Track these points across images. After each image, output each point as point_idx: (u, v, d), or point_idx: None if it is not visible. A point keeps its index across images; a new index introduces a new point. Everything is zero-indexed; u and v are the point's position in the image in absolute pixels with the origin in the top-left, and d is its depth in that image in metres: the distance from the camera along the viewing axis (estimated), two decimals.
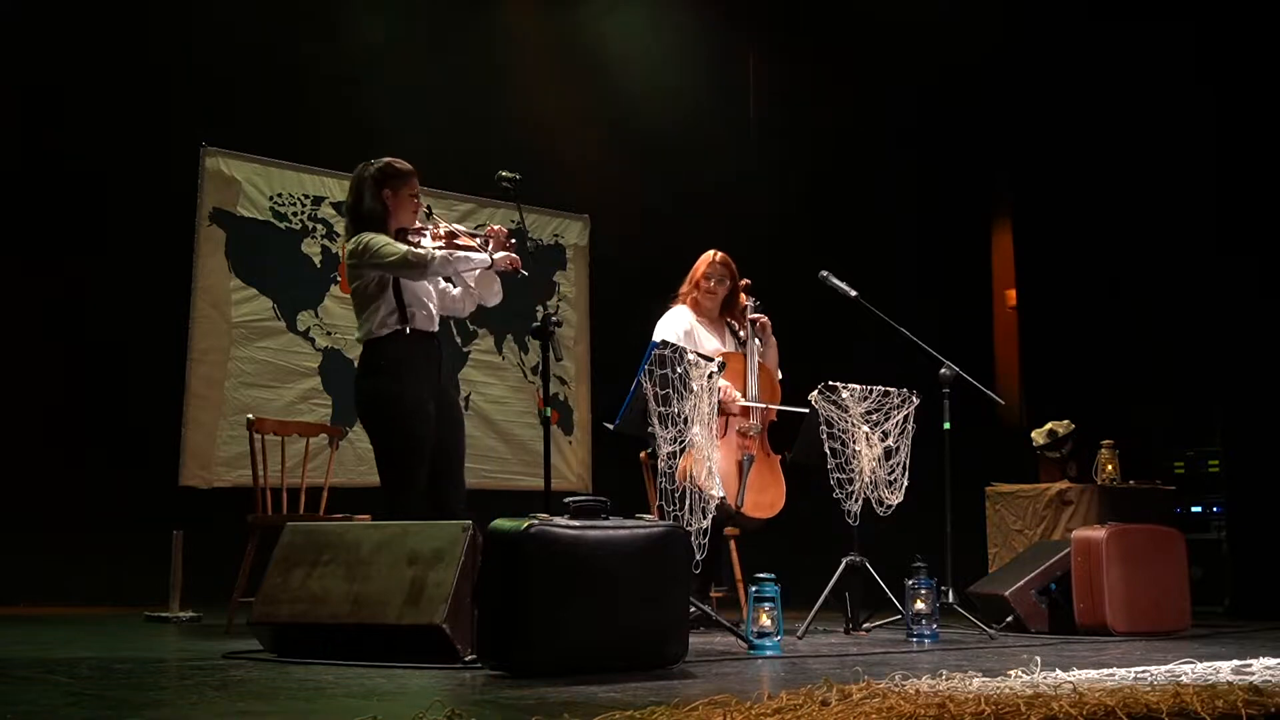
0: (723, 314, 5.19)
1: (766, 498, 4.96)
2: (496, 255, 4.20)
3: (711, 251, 5.18)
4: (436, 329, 4.28)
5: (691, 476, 4.05)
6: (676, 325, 5.04)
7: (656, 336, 4.94)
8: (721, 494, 4.65)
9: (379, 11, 7.38)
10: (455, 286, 4.35)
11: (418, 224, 4.27)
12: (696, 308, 5.14)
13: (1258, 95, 6.73)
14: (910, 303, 5.93)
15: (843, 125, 8.11)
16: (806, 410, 4.77)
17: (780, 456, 5.08)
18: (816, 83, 8.19)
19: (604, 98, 8.05)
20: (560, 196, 7.70)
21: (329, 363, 6.71)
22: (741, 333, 5.16)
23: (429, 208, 4.27)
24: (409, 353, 4.13)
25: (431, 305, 4.24)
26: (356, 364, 4.30)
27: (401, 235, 4.21)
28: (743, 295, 5.18)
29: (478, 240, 4.28)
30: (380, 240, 4.08)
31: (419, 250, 4.06)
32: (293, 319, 6.63)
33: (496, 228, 4.38)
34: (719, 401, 4.80)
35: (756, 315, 5.16)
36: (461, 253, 4.14)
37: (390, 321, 4.13)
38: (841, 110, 8.13)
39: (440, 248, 4.14)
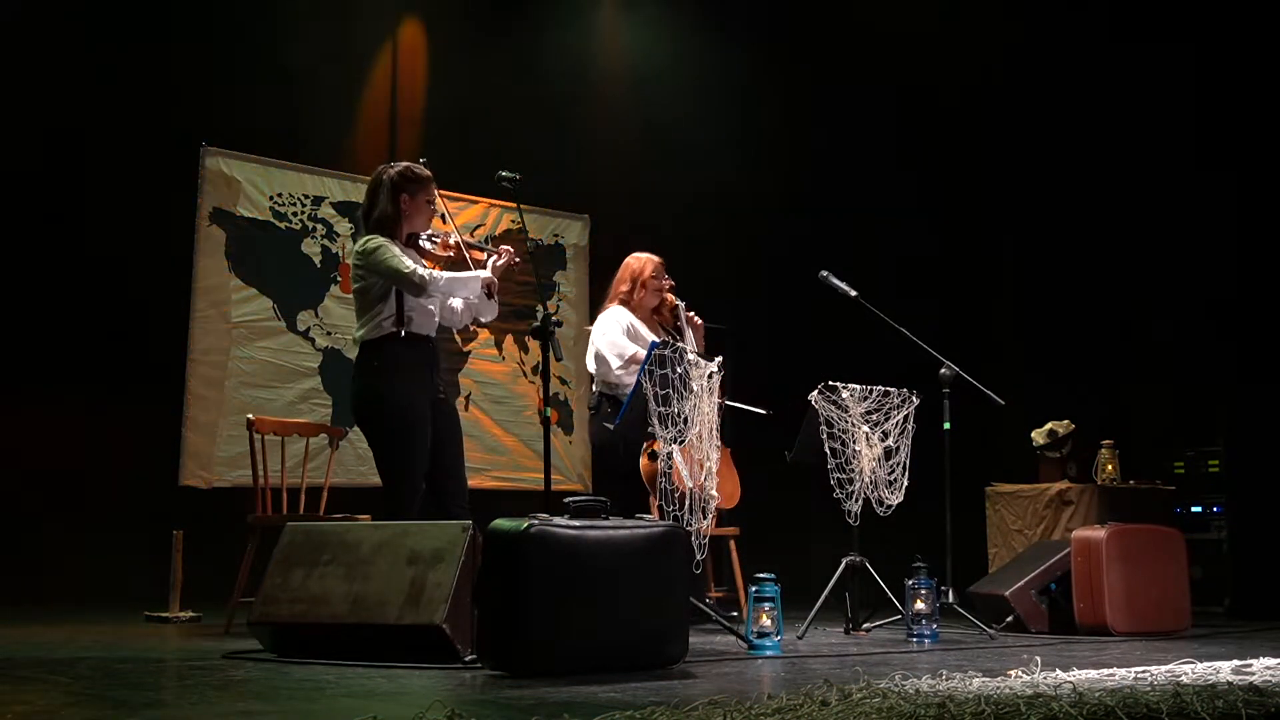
0: (654, 312, 5.31)
1: (725, 488, 5.04)
2: (484, 274, 4.26)
3: (646, 255, 5.30)
4: (433, 334, 4.33)
5: (666, 473, 4.06)
6: (620, 322, 5.14)
7: (599, 335, 5.03)
8: (690, 484, 4.69)
9: (380, 12, 7.38)
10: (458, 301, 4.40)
11: (430, 231, 4.33)
12: (631, 306, 5.20)
13: (1260, 92, 6.75)
14: (910, 303, 5.93)
15: (843, 125, 8.11)
16: (751, 408, 4.85)
17: (731, 450, 5.15)
18: (816, 82, 8.20)
19: (604, 98, 8.05)
20: (560, 196, 7.69)
21: (329, 363, 6.70)
22: (671, 329, 5.25)
23: (444, 215, 4.32)
24: (403, 355, 4.20)
25: (433, 310, 4.31)
26: (353, 365, 4.33)
27: (413, 240, 4.31)
28: (669, 295, 5.26)
29: (486, 255, 4.33)
30: (387, 252, 4.16)
31: (421, 272, 4.13)
32: (293, 319, 6.62)
33: (507, 249, 4.45)
34: None
35: (690, 314, 5.26)
36: (459, 275, 4.22)
37: (387, 324, 4.19)
38: (841, 110, 8.14)
39: (449, 258, 4.21)
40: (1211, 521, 6.72)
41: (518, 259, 4.43)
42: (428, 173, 4.33)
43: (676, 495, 3.96)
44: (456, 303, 4.37)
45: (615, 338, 5.03)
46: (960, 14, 7.81)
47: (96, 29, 6.45)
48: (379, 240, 4.19)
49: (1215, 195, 7.01)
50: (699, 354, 5.11)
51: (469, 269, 4.30)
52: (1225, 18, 6.90)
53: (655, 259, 5.30)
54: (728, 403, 5.04)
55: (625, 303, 5.24)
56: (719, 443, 5.07)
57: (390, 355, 4.19)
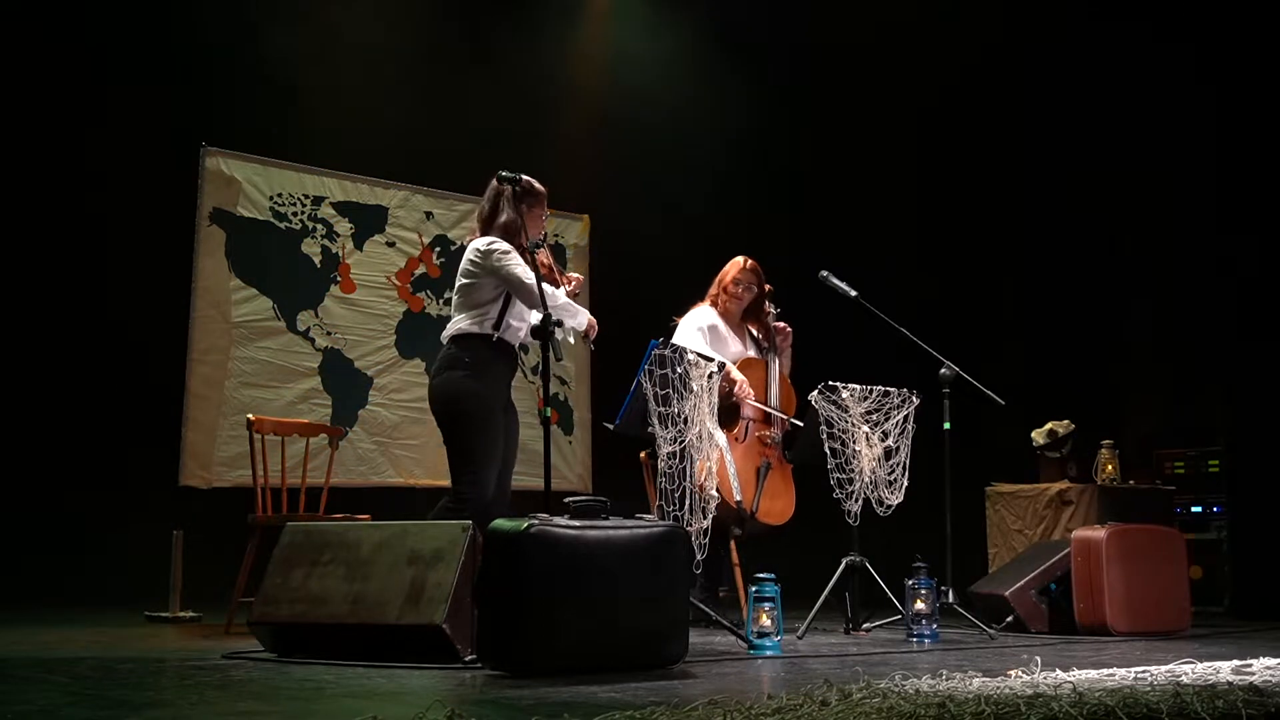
0: (745, 319, 5.25)
1: (778, 505, 5.01)
2: (586, 316, 4.38)
3: (742, 258, 5.26)
4: (517, 345, 4.42)
5: (710, 481, 4.07)
6: (701, 320, 5.11)
7: (681, 331, 5.01)
8: (738, 497, 4.68)
9: (380, 13, 7.38)
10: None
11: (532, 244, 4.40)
12: (719, 308, 5.18)
13: (1258, 83, 6.74)
14: (910, 303, 5.93)
15: (842, 124, 8.11)
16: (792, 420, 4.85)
17: (793, 466, 5.12)
18: (815, 82, 8.20)
19: (603, 98, 8.05)
20: (560, 196, 7.68)
21: (329, 363, 6.70)
22: (762, 339, 5.21)
23: (545, 234, 4.39)
24: (491, 357, 4.28)
25: (526, 323, 4.37)
26: (438, 357, 4.38)
27: (524, 252, 4.36)
28: (767, 302, 5.23)
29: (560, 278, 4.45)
30: (515, 258, 4.23)
31: (545, 287, 4.19)
32: (293, 319, 6.62)
33: (578, 277, 4.55)
34: (735, 395, 4.84)
35: (780, 324, 5.21)
36: (571, 305, 4.30)
37: (485, 325, 4.27)
38: (840, 109, 8.13)
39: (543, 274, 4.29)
40: (1211, 521, 6.72)
41: (577, 291, 4.54)
42: (543, 188, 4.44)
43: (677, 494, 3.96)
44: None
45: (689, 338, 4.94)
46: (959, 13, 7.80)
47: (96, 29, 6.45)
48: (506, 245, 4.27)
49: (1215, 194, 7.00)
50: (769, 359, 5.13)
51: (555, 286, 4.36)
52: (1224, 17, 6.90)
53: (742, 262, 5.22)
54: (763, 407, 5.03)
55: (713, 304, 5.22)
56: (779, 458, 5.08)
57: (480, 353, 4.26)
